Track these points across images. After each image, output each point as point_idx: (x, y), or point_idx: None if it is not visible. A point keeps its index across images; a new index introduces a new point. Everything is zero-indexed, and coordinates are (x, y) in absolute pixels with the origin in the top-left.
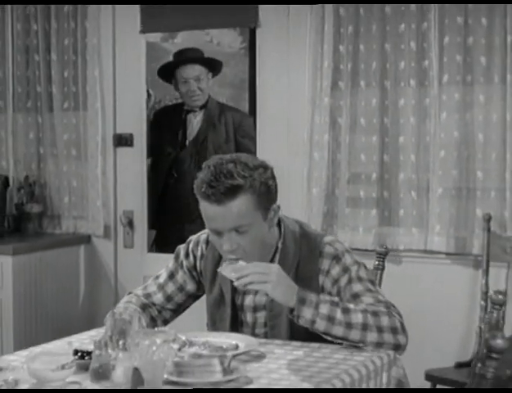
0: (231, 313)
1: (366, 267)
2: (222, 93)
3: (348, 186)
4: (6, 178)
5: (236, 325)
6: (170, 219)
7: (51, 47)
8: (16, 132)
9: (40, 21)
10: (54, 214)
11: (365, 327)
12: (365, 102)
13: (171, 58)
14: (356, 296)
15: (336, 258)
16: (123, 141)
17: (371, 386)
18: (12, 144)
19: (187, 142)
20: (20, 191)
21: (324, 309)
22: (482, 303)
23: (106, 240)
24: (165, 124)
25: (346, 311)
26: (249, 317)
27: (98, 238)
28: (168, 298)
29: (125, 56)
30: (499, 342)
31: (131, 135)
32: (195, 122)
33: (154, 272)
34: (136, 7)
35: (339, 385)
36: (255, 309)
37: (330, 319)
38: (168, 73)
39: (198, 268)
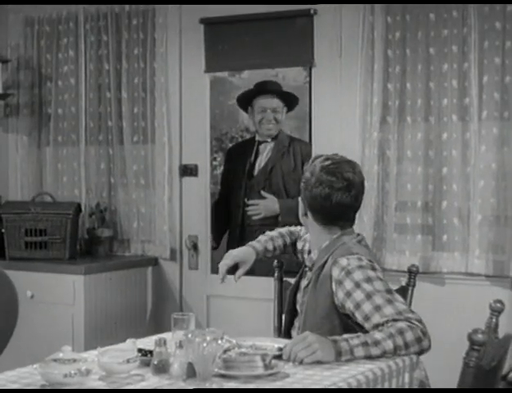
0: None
1: (381, 279)
2: (288, 124)
3: (396, 213)
4: (79, 205)
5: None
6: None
7: (121, 86)
8: (88, 163)
9: (112, 62)
10: (124, 239)
11: (396, 349)
12: (411, 136)
13: (249, 87)
14: (378, 308)
15: (345, 270)
16: (188, 171)
17: (393, 384)
18: (84, 174)
19: (256, 171)
20: (92, 217)
21: (359, 352)
22: None
23: (172, 262)
24: (238, 156)
25: (377, 343)
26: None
27: (165, 260)
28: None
29: (190, 94)
30: (479, 336)
31: (196, 166)
32: (265, 152)
33: (217, 291)
34: (202, 49)
35: (362, 380)
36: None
37: (367, 357)
38: (245, 101)
39: None
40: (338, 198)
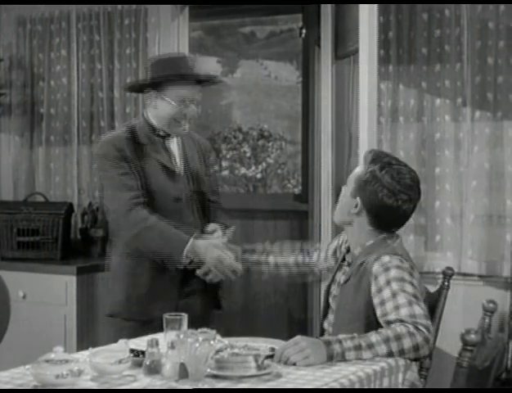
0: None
1: (413, 284)
2: (280, 124)
3: None
4: (71, 205)
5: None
6: None
7: (114, 85)
8: (81, 163)
9: (104, 62)
10: None
11: (389, 354)
12: (403, 136)
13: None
14: (397, 308)
15: (384, 266)
16: None
17: (385, 383)
18: (77, 174)
19: (184, 190)
20: (84, 217)
21: (350, 356)
22: None
23: None
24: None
25: (370, 347)
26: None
27: None
28: None
29: None
30: (472, 337)
31: None
32: (176, 154)
33: None
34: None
35: (355, 380)
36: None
37: (358, 361)
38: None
39: None
40: (404, 209)
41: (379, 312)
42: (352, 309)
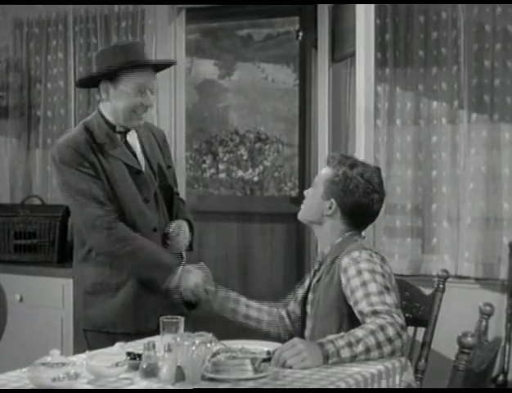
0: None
1: (384, 276)
2: (277, 127)
3: (385, 216)
4: (68, 208)
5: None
6: None
7: None
8: None
9: None
10: None
11: (379, 345)
12: (400, 139)
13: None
14: (367, 296)
15: (354, 260)
16: None
17: (383, 385)
18: None
19: (151, 193)
20: None
21: (345, 353)
22: (509, 325)
23: None
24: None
25: (360, 341)
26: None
27: None
28: None
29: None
30: (469, 339)
31: None
32: (136, 149)
33: None
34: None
35: (352, 383)
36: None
37: (353, 358)
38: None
39: None
40: (376, 208)
41: (352, 301)
42: (325, 305)
